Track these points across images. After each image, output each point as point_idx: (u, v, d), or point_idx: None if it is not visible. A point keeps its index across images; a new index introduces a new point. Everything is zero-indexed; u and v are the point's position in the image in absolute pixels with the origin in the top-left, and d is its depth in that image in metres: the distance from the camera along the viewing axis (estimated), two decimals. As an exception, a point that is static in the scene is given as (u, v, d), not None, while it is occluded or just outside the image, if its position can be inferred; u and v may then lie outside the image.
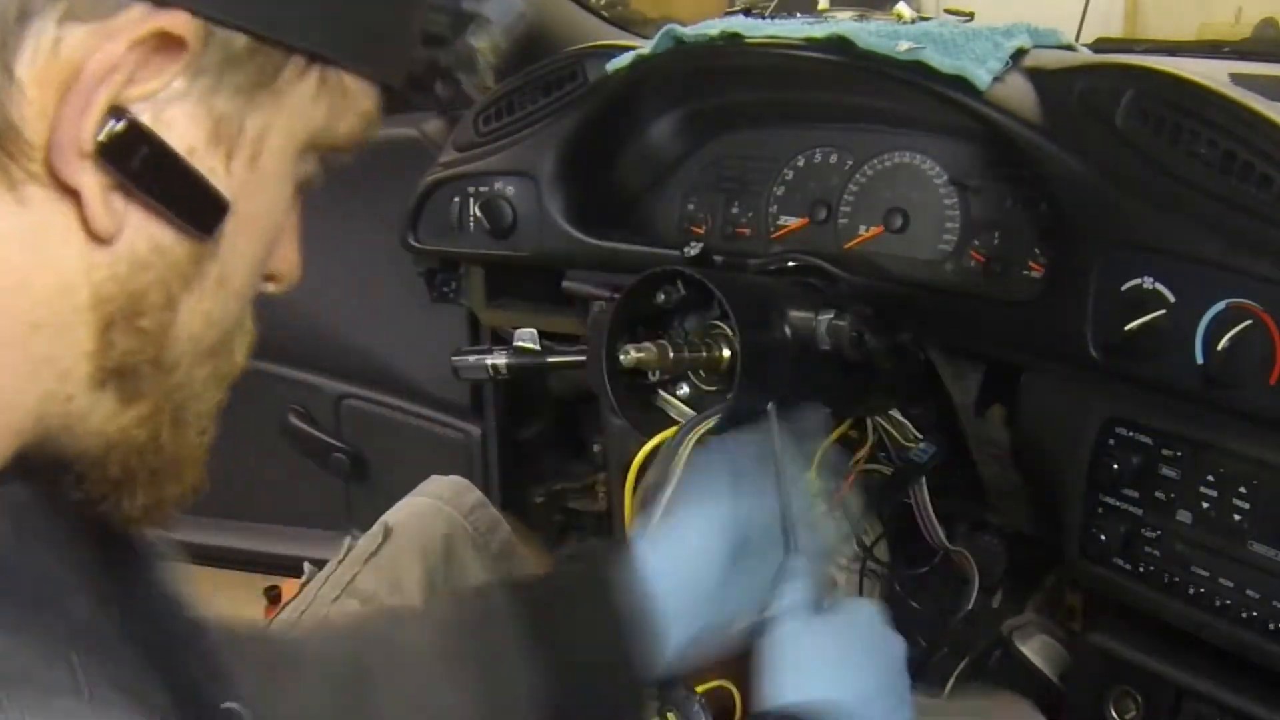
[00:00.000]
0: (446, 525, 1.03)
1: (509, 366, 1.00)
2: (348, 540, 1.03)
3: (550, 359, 1.01)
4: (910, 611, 1.18)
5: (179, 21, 0.38)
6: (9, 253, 0.38)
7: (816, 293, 0.93)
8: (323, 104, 0.45)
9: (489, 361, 1.00)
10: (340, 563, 1.00)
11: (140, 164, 0.39)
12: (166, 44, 0.38)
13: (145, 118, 0.39)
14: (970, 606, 1.03)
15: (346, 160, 0.49)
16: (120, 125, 0.38)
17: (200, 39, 0.39)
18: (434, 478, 1.10)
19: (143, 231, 0.41)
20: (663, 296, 0.84)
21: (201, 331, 0.45)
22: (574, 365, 1.00)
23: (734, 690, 0.90)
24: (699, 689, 0.84)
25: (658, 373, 0.84)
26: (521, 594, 0.72)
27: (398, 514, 1.04)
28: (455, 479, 1.09)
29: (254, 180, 0.43)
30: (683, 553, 0.73)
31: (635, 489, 0.83)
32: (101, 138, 0.38)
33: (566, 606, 0.71)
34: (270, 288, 0.51)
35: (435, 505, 1.05)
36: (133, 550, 0.51)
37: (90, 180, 0.38)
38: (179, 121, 0.40)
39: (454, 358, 1.02)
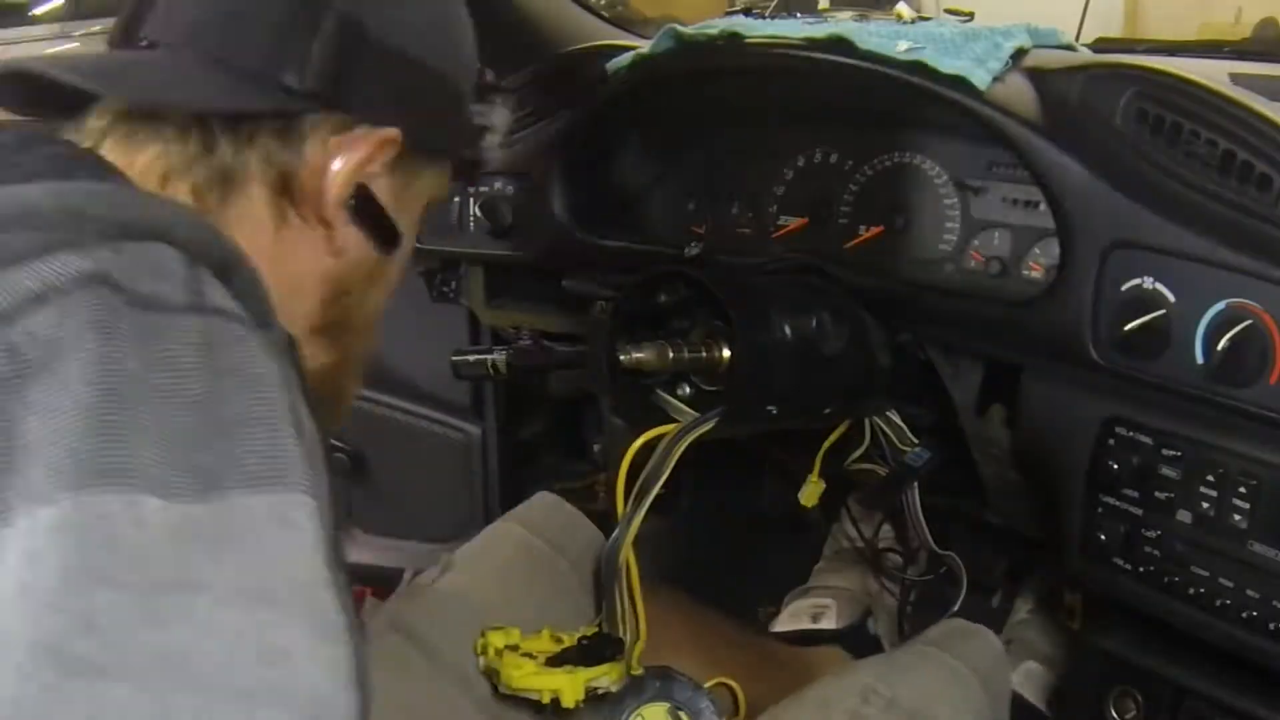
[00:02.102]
0: (513, 549, 0.99)
1: (509, 366, 1.00)
2: (406, 575, 0.98)
3: (550, 359, 1.01)
4: (909, 617, 1.19)
5: (394, 135, 0.64)
6: (288, 255, 0.64)
7: (816, 293, 0.93)
8: (445, 178, 0.73)
9: (489, 360, 1.00)
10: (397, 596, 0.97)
11: (365, 214, 0.66)
12: (385, 148, 0.65)
13: (371, 187, 0.66)
14: (955, 609, 1.04)
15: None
16: (361, 192, 0.65)
17: (403, 146, 0.65)
18: (531, 500, 1.06)
19: (357, 248, 0.67)
20: (663, 296, 0.84)
21: (373, 312, 0.72)
22: (574, 365, 1.00)
23: (735, 688, 0.90)
24: (706, 685, 0.84)
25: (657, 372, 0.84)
26: None
27: (470, 545, 1.00)
28: (545, 497, 1.06)
29: (409, 226, 0.71)
30: None
31: (629, 485, 0.83)
32: (349, 199, 0.65)
33: None
34: None
35: (506, 528, 1.01)
36: None
37: (339, 221, 0.65)
38: (384, 189, 0.67)
39: (454, 357, 1.02)
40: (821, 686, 0.85)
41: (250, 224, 0.62)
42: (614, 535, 0.84)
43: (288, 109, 0.62)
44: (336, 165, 0.63)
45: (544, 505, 1.04)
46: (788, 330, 0.84)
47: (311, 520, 0.44)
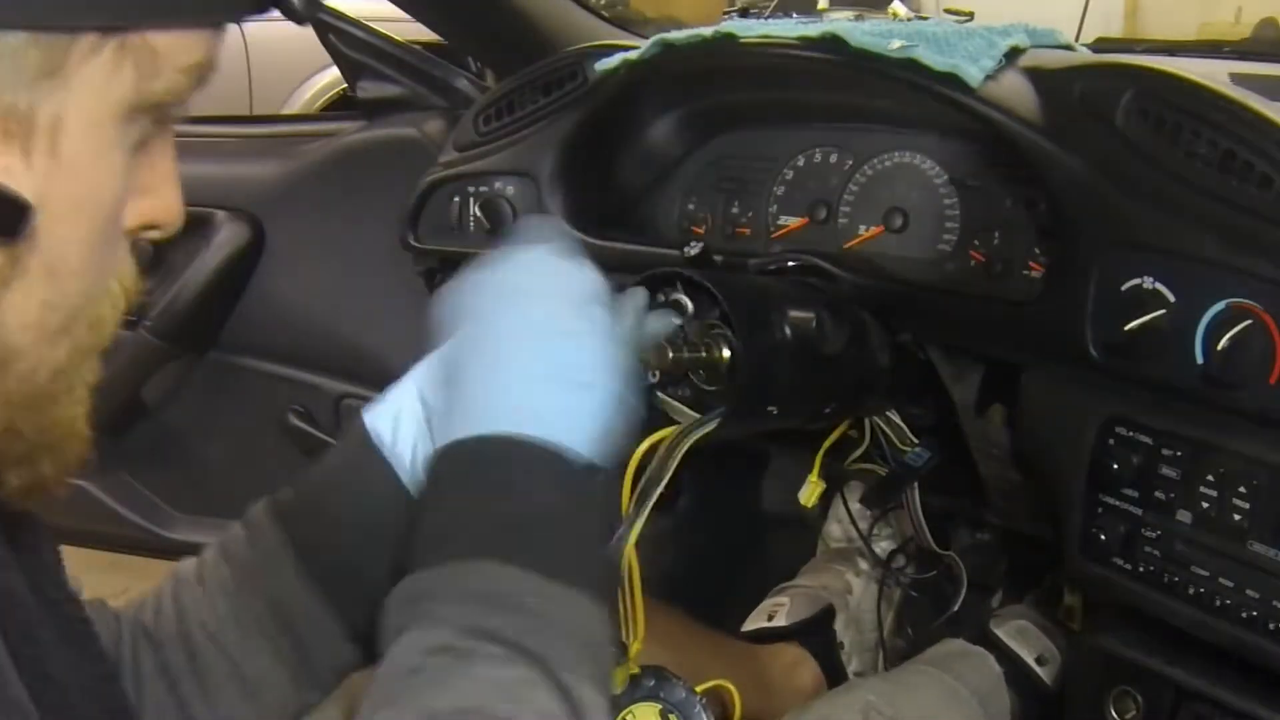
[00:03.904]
0: None
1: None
2: None
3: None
4: (912, 618, 1.19)
5: None
6: None
7: (816, 293, 0.93)
8: (128, 72, 0.43)
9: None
10: None
11: None
12: None
13: None
14: (955, 609, 1.04)
15: (182, 110, 0.48)
16: None
17: None
18: None
19: None
20: (662, 296, 0.84)
21: (40, 319, 0.45)
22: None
23: (732, 690, 0.89)
24: (698, 689, 0.84)
25: (657, 373, 0.83)
26: (284, 515, 0.69)
27: None
28: None
29: (61, 168, 0.42)
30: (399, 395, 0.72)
31: (632, 487, 0.82)
32: None
33: (320, 503, 0.69)
34: (154, 234, 0.51)
35: None
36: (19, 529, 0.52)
37: None
38: None
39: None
40: (823, 704, 0.85)
41: None
42: (616, 536, 0.83)
43: None
44: None
45: None
46: (788, 330, 0.84)
47: None
